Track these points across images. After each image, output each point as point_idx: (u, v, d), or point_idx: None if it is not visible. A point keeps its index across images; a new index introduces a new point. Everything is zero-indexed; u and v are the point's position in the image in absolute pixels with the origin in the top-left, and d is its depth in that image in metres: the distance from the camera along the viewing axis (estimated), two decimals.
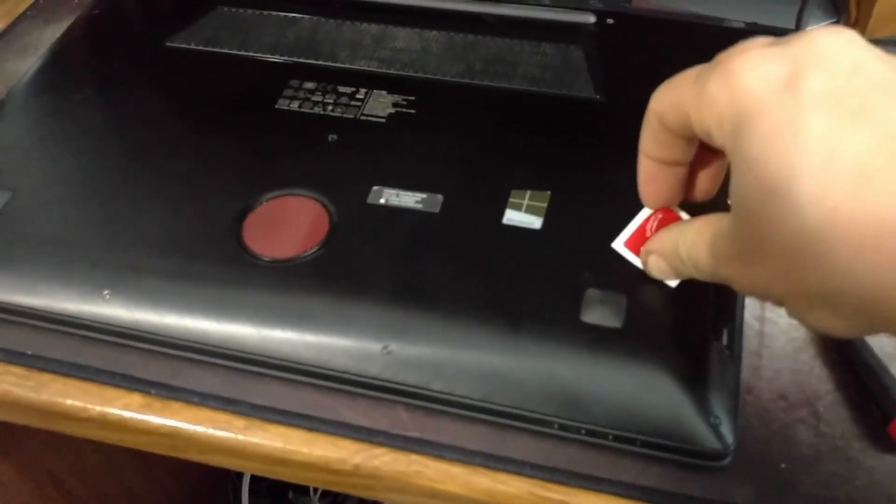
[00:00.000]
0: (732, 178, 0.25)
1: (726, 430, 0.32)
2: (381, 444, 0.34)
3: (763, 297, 0.26)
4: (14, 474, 0.58)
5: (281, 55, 0.47)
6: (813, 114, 0.22)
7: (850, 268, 0.22)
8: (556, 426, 0.33)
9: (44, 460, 0.61)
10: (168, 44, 0.49)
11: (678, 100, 0.27)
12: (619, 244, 0.35)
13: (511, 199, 0.39)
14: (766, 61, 0.24)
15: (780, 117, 0.23)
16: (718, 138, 0.26)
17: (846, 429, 0.34)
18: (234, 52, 0.48)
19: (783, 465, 0.33)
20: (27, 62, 0.51)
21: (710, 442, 0.32)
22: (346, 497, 0.86)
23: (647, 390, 0.33)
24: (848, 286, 0.22)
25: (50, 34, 0.54)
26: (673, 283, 0.34)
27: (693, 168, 0.31)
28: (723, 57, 0.26)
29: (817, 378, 0.36)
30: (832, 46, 0.23)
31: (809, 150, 0.22)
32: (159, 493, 0.81)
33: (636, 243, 0.34)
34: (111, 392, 0.36)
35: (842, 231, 0.22)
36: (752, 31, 0.46)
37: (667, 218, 0.33)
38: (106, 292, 0.36)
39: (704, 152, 0.31)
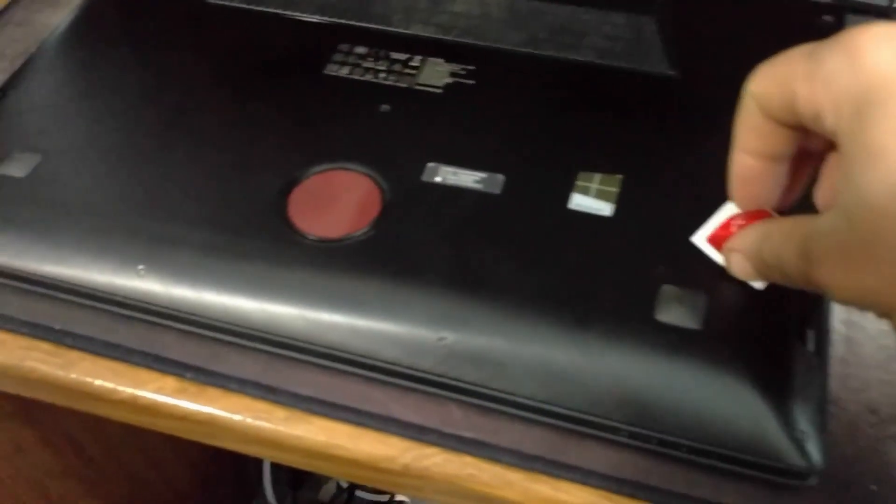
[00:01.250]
0: (846, 168, 0.22)
1: (813, 446, 0.29)
2: (432, 444, 0.31)
3: (864, 305, 0.23)
4: (34, 440, 0.57)
5: (330, 16, 0.44)
6: None
7: None
8: (625, 434, 0.30)
9: (65, 426, 0.59)
10: (208, 0, 0.46)
11: (785, 77, 0.24)
12: (699, 239, 0.32)
13: (578, 183, 0.35)
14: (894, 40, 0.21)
15: None
16: (831, 122, 0.22)
17: None
18: (279, 11, 0.45)
19: (874, 488, 0.30)
20: (59, 15, 0.48)
21: (795, 459, 0.29)
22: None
23: (726, 399, 0.30)
24: None
25: None
26: (759, 285, 0.31)
27: None
28: (845, 34, 0.22)
29: None
30: None
31: None
32: (181, 460, 0.79)
33: (719, 239, 0.31)
34: (144, 374, 0.33)
35: None
36: (841, 5, 0.43)
37: (755, 215, 0.30)
38: (140, 266, 0.34)
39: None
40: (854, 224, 0.22)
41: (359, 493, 0.85)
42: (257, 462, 0.85)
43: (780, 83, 0.24)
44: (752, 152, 0.27)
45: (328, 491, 0.87)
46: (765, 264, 0.28)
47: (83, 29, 0.45)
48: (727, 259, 0.31)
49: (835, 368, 0.33)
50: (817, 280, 0.24)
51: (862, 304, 0.24)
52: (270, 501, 0.85)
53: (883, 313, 0.23)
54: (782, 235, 0.26)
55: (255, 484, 0.87)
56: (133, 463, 0.71)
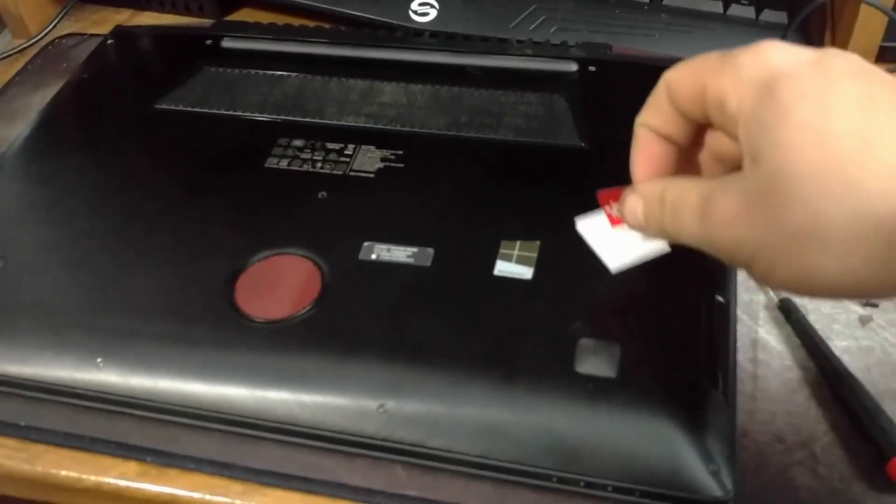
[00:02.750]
0: (748, 138, 0.25)
1: (725, 476, 0.32)
2: None
3: (741, 258, 0.26)
4: None
5: (269, 114, 0.48)
6: (843, 82, 0.24)
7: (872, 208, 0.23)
8: (554, 479, 0.33)
9: None
10: (157, 106, 0.49)
11: (699, 71, 0.28)
12: (581, 226, 0.34)
13: (501, 251, 0.39)
14: (794, 47, 0.26)
15: (811, 82, 0.24)
16: (734, 106, 0.26)
17: (844, 470, 0.34)
18: (222, 111, 0.49)
19: None
20: (17, 128, 0.51)
21: (711, 489, 0.32)
22: None
23: (644, 440, 0.33)
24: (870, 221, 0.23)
25: (39, 99, 0.55)
26: (636, 243, 0.32)
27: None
28: (751, 44, 0.27)
29: (813, 419, 0.36)
30: (850, 55, 0.25)
31: (842, 113, 0.23)
32: None
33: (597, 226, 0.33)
34: (106, 461, 0.35)
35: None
36: None
37: None
38: (99, 360, 0.36)
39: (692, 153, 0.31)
40: (763, 171, 0.25)
41: None
42: None
43: (694, 76, 0.28)
44: (651, 126, 0.30)
45: None
46: (661, 208, 0.29)
47: (39, 140, 0.49)
48: (622, 201, 0.31)
49: (744, 404, 0.36)
50: (709, 232, 0.27)
51: (738, 256, 0.26)
52: None
53: (750, 264, 0.26)
54: (688, 184, 0.29)
55: None
56: None
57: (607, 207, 0.33)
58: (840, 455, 0.35)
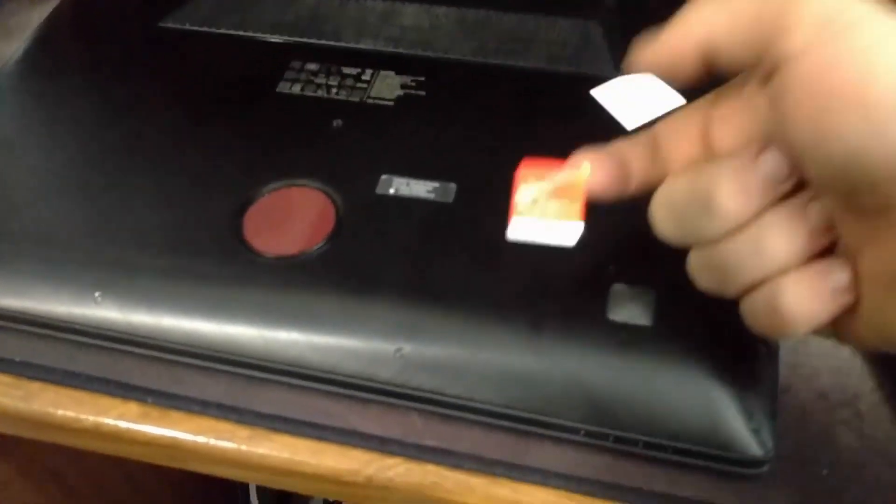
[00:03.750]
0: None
1: (766, 434, 0.30)
2: (394, 454, 0.32)
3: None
4: (14, 474, 0.57)
5: (281, 35, 0.45)
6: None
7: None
8: (582, 433, 0.31)
9: (44, 457, 0.59)
10: (162, 24, 0.46)
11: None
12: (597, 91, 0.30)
13: None
14: None
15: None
16: (800, 38, 0.21)
17: (891, 430, 0.32)
18: (231, 32, 0.45)
19: (825, 472, 0.31)
20: (12, 45, 0.48)
21: (750, 448, 0.30)
22: None
23: (680, 393, 0.30)
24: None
25: (38, 16, 0.51)
26: (652, 102, 0.28)
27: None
28: None
29: (858, 376, 0.34)
30: None
31: None
32: (165, 484, 0.79)
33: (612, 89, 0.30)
34: (106, 401, 0.33)
35: None
36: None
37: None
38: (97, 293, 0.34)
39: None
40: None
41: None
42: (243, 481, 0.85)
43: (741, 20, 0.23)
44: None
45: None
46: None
47: (36, 58, 0.45)
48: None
49: (786, 357, 0.34)
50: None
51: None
52: None
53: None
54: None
55: (242, 502, 0.87)
56: (116, 490, 0.71)
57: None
58: (887, 414, 0.33)
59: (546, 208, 0.29)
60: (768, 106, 0.23)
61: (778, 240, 0.23)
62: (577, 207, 0.29)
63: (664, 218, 0.26)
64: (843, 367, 0.34)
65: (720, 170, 0.23)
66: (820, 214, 0.23)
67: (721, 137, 0.26)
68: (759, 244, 0.23)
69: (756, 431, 0.30)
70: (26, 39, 0.47)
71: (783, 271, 0.23)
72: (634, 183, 0.27)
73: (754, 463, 0.30)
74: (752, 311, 0.25)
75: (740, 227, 0.23)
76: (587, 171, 0.28)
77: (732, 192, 0.23)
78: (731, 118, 0.26)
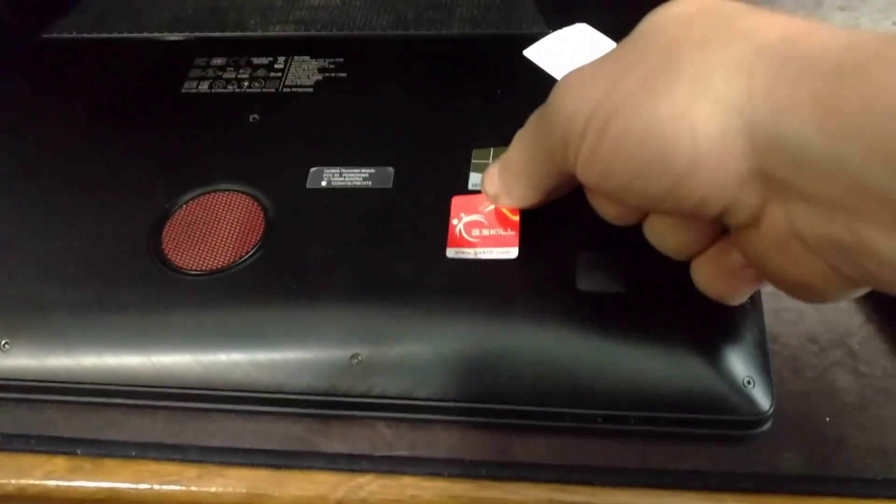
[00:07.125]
0: None
1: (761, 390, 0.28)
2: (364, 471, 0.28)
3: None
4: None
5: (181, 32, 0.41)
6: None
7: None
8: (567, 418, 0.28)
9: None
10: (46, 35, 0.42)
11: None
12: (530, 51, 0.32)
13: (474, 161, 0.33)
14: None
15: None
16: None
17: (888, 364, 0.30)
18: (125, 35, 0.41)
19: (828, 419, 0.29)
20: None
21: (747, 407, 0.27)
22: None
23: (665, 360, 0.28)
24: None
25: None
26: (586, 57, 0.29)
27: None
28: None
29: (845, 312, 0.32)
30: None
31: None
32: None
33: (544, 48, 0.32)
34: (28, 460, 0.29)
35: None
36: None
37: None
38: (4, 341, 0.30)
39: None
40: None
41: None
42: None
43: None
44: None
45: None
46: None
47: None
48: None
49: (768, 303, 0.32)
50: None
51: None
52: None
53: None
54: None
55: None
56: None
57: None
58: (880, 349, 0.31)
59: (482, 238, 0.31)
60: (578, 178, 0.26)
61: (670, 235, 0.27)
62: (513, 235, 0.30)
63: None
64: (828, 305, 0.32)
65: None
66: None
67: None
68: (661, 239, 0.27)
69: (751, 388, 0.27)
70: None
71: (694, 254, 0.27)
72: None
73: (755, 422, 0.28)
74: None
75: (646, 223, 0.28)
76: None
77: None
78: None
